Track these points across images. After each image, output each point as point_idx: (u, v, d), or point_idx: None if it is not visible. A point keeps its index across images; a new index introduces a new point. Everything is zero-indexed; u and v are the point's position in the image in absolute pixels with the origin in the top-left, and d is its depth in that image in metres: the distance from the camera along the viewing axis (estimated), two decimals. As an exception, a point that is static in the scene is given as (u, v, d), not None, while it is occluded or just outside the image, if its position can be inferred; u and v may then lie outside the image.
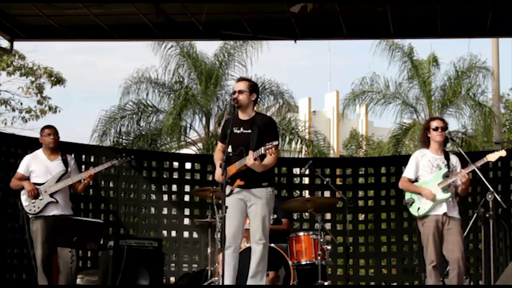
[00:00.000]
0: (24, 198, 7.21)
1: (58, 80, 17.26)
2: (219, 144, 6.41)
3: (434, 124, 6.78)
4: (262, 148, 5.92)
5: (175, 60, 18.80)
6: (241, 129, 6.16)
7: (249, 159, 5.96)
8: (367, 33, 9.43)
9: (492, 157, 6.57)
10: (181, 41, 17.44)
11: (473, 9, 8.48)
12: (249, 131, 6.13)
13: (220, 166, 5.97)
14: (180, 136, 18.64)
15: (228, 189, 6.08)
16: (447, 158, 6.72)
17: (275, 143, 5.86)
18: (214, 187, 6.58)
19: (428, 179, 6.70)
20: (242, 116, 6.23)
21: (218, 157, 6.29)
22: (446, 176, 6.63)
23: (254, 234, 6.18)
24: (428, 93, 19.90)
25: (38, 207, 7.16)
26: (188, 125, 18.66)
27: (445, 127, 6.76)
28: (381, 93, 19.98)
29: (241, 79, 6.38)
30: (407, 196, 6.82)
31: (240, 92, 6.18)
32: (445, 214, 6.60)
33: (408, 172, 6.83)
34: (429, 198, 6.60)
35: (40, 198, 7.17)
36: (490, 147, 18.06)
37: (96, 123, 17.79)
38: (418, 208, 6.66)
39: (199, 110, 18.49)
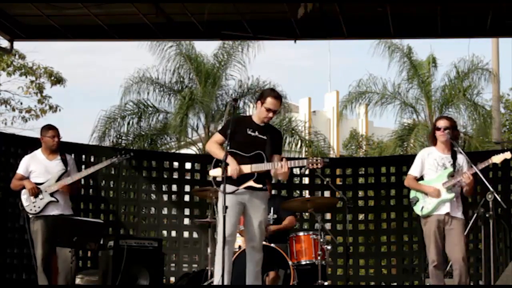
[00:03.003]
0: (24, 198, 7.21)
1: (58, 80, 17.28)
2: (219, 137, 6.29)
3: (439, 123, 6.73)
4: (305, 161, 6.16)
5: (176, 60, 18.79)
6: (256, 132, 6.18)
7: (284, 167, 6.02)
8: (367, 33, 9.44)
9: (497, 158, 6.53)
10: (181, 41, 17.43)
11: (473, 9, 8.48)
12: (265, 137, 6.18)
13: (221, 165, 5.96)
14: (187, 136, 18.65)
15: (232, 187, 6.06)
16: (454, 157, 6.66)
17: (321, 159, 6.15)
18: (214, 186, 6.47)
19: (433, 178, 6.66)
20: (257, 121, 6.25)
21: (219, 150, 6.19)
22: (451, 175, 6.60)
23: (254, 238, 6.19)
24: (427, 93, 19.90)
25: (39, 207, 7.16)
26: (195, 125, 18.68)
27: (451, 127, 6.68)
28: (380, 94, 19.99)
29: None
30: (412, 194, 6.79)
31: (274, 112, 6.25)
32: (447, 214, 6.57)
33: (413, 170, 6.80)
34: (434, 195, 6.57)
35: (40, 197, 7.17)
36: (492, 147, 18.04)
37: (95, 123, 17.83)
38: (422, 208, 6.63)
39: (200, 110, 18.48)
